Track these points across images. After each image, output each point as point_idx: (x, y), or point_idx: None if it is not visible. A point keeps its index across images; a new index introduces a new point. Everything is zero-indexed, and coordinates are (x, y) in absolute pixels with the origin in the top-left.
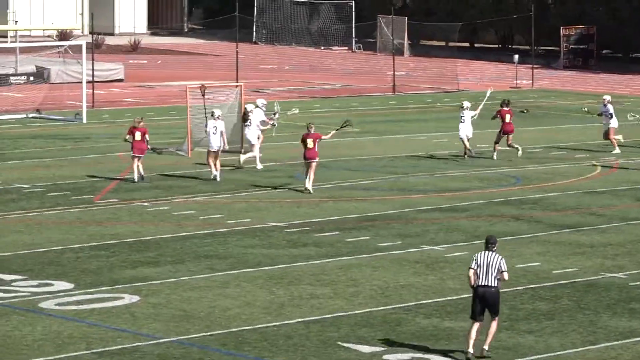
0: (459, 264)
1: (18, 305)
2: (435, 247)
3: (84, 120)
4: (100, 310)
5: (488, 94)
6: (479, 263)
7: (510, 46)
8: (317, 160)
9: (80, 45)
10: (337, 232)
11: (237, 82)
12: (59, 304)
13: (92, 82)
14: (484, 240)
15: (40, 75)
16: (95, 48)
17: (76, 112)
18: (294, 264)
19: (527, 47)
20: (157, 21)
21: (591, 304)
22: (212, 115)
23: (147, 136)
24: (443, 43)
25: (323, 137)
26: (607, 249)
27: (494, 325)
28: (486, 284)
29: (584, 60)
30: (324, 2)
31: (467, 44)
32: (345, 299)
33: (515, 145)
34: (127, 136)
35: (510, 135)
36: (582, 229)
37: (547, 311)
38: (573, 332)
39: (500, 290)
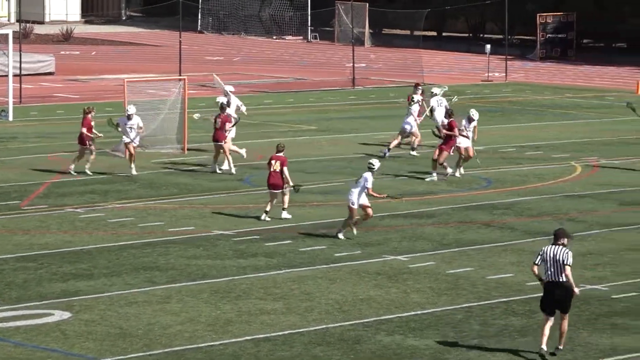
0: (424, 276)
1: None
2: (398, 257)
3: (10, 118)
4: (27, 328)
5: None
6: (544, 258)
7: (481, 35)
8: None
9: (6, 35)
10: (290, 241)
11: (180, 75)
12: None
13: (20, 75)
14: (552, 235)
15: None
16: (22, 38)
17: (1, 108)
18: (242, 276)
19: (500, 37)
20: (92, 8)
21: (569, 319)
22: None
23: None
24: (408, 32)
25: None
26: (587, 259)
27: (564, 324)
28: (555, 279)
29: (562, 50)
30: None
31: (434, 33)
32: (298, 314)
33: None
34: None
35: None
36: None
37: (521, 327)
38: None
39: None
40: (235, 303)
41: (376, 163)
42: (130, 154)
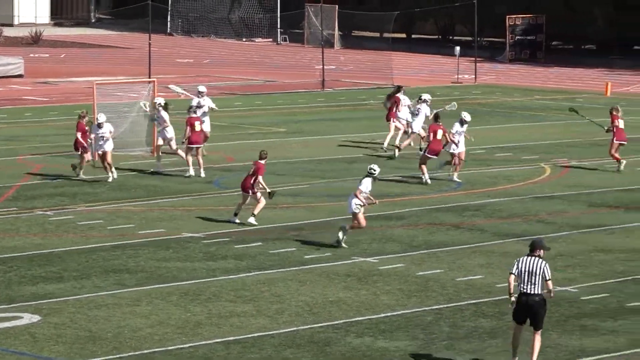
0: (393, 277)
1: None
2: (368, 259)
3: None
4: None
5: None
6: (519, 268)
7: (450, 37)
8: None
9: None
10: (259, 243)
11: (149, 78)
12: None
13: None
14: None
15: None
16: None
17: None
18: (212, 279)
19: (470, 39)
20: (61, 11)
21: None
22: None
23: None
24: (377, 34)
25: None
26: (556, 260)
27: (537, 339)
28: (529, 291)
29: (531, 52)
30: None
31: (403, 35)
32: (268, 316)
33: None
34: None
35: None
36: (530, 237)
37: (491, 329)
38: (519, 351)
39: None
40: (205, 305)
41: (377, 169)
42: (103, 163)
